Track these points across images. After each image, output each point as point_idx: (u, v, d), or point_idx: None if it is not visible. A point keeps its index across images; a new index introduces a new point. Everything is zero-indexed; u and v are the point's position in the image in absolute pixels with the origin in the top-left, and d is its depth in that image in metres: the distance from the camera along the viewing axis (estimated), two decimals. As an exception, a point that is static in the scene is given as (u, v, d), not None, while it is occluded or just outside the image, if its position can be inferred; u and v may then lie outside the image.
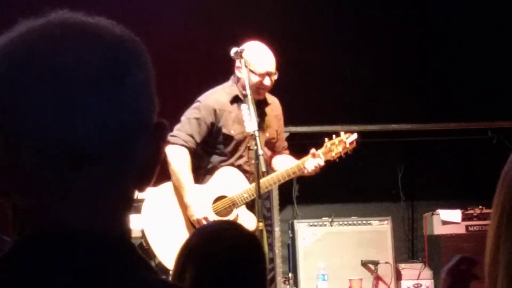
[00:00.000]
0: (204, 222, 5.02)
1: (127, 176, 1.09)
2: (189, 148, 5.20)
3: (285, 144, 5.62)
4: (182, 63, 6.85)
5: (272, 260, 5.63)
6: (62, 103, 1.02)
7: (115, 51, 1.08)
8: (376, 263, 6.82)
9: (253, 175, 5.04)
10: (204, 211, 5.13)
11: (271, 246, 5.68)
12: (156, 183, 5.11)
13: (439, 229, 7.05)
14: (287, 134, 6.03)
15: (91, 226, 1.06)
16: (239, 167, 5.27)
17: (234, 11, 7.19)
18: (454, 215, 7.02)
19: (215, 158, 5.29)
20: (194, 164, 5.26)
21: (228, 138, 5.24)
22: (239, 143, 5.27)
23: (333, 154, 5.34)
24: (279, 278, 6.64)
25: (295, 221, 7.04)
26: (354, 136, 5.45)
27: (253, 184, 5.04)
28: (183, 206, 5.20)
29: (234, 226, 2.94)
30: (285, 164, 5.36)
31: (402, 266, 7.09)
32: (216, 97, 5.28)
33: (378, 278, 6.83)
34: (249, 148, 5.19)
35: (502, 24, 7.52)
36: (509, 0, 7.45)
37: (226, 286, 2.49)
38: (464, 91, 7.57)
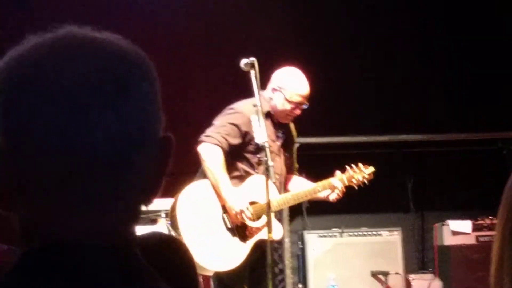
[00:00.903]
0: (247, 213, 5.12)
1: (132, 188, 1.10)
2: (222, 149, 5.21)
3: (297, 165, 5.65)
4: (191, 76, 6.87)
5: (282, 271, 5.64)
6: (68, 116, 1.03)
7: (121, 65, 1.09)
8: (386, 274, 6.81)
9: (277, 188, 5.22)
10: (243, 204, 5.15)
11: (281, 257, 5.70)
12: (168, 195, 5.12)
13: (449, 240, 7.04)
14: (297, 145, 6.04)
15: (97, 237, 1.07)
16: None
17: (245, 22, 7.21)
18: (464, 225, 7.01)
19: (242, 167, 5.30)
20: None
21: (259, 149, 5.25)
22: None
23: (354, 180, 5.52)
24: (289, 289, 6.65)
25: (305, 232, 7.03)
26: (372, 168, 5.64)
27: (284, 195, 5.26)
28: (217, 204, 5.21)
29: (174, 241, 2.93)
30: (304, 184, 5.44)
31: (412, 276, 7.08)
32: (252, 107, 5.30)
33: (388, 289, 6.82)
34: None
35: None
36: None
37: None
38: (474, 102, 7.56)
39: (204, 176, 5.24)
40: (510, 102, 7.43)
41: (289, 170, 5.58)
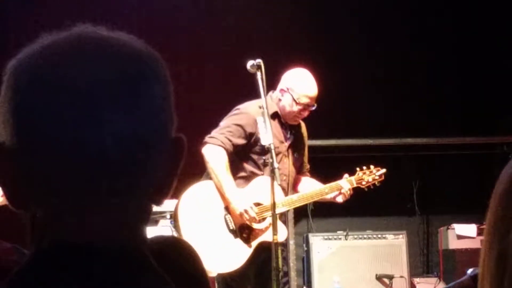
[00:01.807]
0: (251, 213, 5.10)
1: (144, 189, 1.10)
2: (226, 150, 5.21)
3: (308, 166, 5.64)
4: (201, 77, 6.88)
5: (286, 274, 5.62)
6: (80, 116, 1.04)
7: (134, 65, 1.09)
8: (391, 277, 6.80)
9: (285, 189, 5.22)
10: (247, 205, 5.14)
11: (285, 259, 5.68)
12: (173, 196, 5.12)
13: (454, 244, 7.03)
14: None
15: (107, 237, 1.07)
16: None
17: (252, 23, 7.21)
18: (469, 229, 7.00)
19: (248, 167, 5.30)
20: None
21: (265, 150, 5.25)
22: (276, 157, 5.27)
23: (364, 182, 5.55)
24: (294, 292, 6.64)
25: (310, 235, 7.03)
26: (384, 170, 5.68)
27: (290, 197, 5.25)
28: (220, 205, 5.21)
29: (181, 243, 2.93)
30: (314, 185, 5.44)
31: (417, 280, 7.07)
32: (258, 109, 5.31)
33: (392, 292, 6.82)
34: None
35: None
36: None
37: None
38: (479, 106, 7.55)
39: (210, 177, 5.24)
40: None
41: (300, 171, 5.58)
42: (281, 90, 5.37)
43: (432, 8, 7.77)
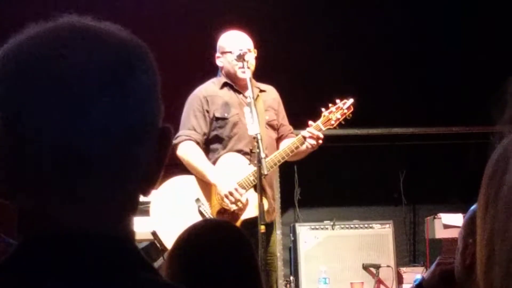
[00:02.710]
0: (236, 195, 5.05)
1: (131, 179, 1.10)
2: (194, 140, 5.21)
3: (290, 128, 5.56)
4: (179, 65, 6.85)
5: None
6: (66, 106, 1.03)
7: (120, 55, 1.09)
8: (377, 267, 6.83)
9: (254, 155, 5.02)
10: (232, 184, 5.12)
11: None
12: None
13: (440, 233, 7.04)
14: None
15: (94, 228, 1.07)
16: (240, 151, 5.24)
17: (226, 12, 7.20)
18: (455, 219, 7.02)
19: (217, 146, 5.28)
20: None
21: (223, 121, 5.25)
22: (235, 125, 5.25)
23: (333, 122, 5.37)
24: (281, 281, 6.65)
25: (297, 224, 7.03)
26: (351, 100, 5.49)
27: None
28: (191, 199, 5.20)
29: (224, 223, 2.94)
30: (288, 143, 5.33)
31: (403, 269, 7.09)
32: (204, 86, 5.37)
33: (379, 282, 6.83)
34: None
35: (504, 25, 7.53)
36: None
37: (211, 277, 2.42)
38: (466, 95, 7.57)
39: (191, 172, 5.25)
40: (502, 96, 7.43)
41: (283, 135, 5.50)
42: (217, 58, 5.36)
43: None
